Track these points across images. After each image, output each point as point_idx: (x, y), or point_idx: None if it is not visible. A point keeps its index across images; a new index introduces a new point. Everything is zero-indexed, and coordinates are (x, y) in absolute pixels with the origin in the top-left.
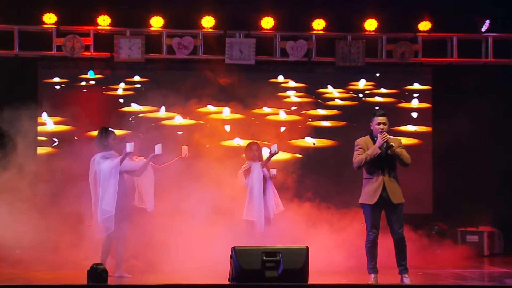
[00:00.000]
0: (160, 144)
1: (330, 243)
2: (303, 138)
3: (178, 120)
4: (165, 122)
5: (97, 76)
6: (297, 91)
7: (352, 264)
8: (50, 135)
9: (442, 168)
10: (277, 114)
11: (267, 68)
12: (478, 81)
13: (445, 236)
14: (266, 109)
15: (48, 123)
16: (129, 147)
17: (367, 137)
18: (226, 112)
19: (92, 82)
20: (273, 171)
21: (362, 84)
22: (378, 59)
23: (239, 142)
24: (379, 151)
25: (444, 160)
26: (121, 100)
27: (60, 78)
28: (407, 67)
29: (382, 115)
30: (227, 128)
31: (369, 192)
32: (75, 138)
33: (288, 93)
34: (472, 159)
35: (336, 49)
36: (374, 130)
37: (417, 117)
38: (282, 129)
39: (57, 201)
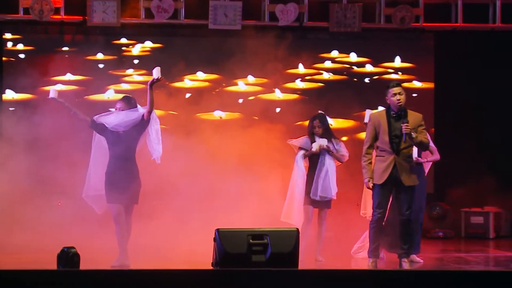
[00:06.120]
0: (158, 67)
1: None
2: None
3: (110, 94)
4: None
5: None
6: (280, 59)
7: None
8: (15, 104)
9: (444, 144)
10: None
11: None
12: (484, 48)
13: (448, 218)
14: (251, 78)
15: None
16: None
17: (383, 112)
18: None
19: (65, 49)
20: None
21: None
22: (376, 24)
23: None
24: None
25: (446, 135)
26: (101, 65)
27: (26, 45)
28: (407, 33)
29: (396, 85)
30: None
31: (378, 170)
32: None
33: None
34: (478, 134)
35: (330, 13)
36: (391, 103)
37: (418, 89)
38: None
39: (20, 177)
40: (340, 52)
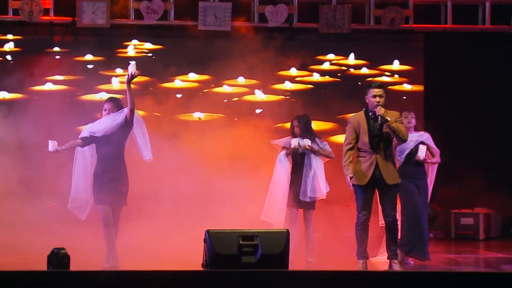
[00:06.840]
0: (133, 62)
1: None
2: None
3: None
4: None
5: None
6: (270, 60)
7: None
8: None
9: (435, 144)
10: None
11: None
12: (474, 49)
13: (438, 219)
14: (241, 80)
15: None
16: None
17: (361, 113)
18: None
19: (55, 49)
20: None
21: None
22: (366, 26)
23: None
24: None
25: (436, 137)
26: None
27: (15, 46)
28: (397, 35)
29: (377, 86)
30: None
31: (360, 171)
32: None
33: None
34: (469, 136)
35: (319, 14)
36: (370, 104)
37: (407, 91)
38: None
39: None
40: (330, 54)
